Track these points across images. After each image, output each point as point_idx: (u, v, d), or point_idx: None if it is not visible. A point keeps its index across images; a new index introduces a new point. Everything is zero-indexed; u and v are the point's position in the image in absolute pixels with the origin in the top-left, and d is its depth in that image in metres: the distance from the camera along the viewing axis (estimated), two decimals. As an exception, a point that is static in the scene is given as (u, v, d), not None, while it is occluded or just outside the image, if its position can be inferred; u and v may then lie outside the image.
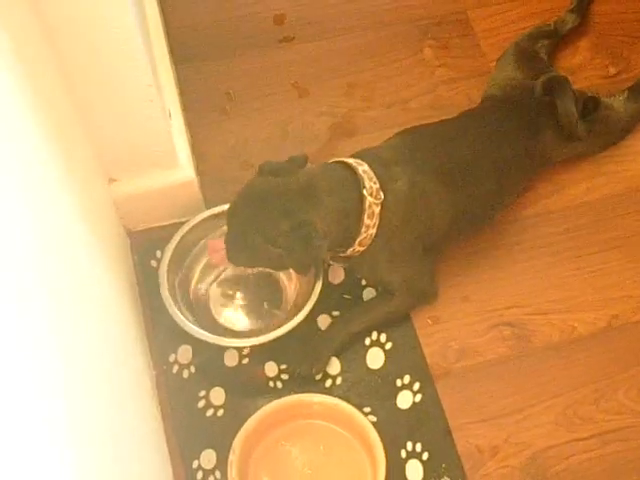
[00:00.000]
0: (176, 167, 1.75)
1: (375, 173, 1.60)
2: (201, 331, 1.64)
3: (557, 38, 2.05)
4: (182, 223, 1.75)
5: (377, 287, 1.76)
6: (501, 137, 1.76)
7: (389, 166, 1.63)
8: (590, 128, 1.84)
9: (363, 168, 1.60)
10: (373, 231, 1.60)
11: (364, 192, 1.57)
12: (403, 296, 1.72)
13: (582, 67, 2.04)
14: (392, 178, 1.62)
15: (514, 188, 1.82)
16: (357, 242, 1.60)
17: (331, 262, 1.72)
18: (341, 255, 1.65)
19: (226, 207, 1.62)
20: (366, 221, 1.58)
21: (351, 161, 1.62)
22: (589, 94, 1.87)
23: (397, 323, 1.74)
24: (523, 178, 1.84)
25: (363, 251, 1.63)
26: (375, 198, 1.58)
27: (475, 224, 1.80)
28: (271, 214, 1.53)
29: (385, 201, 1.60)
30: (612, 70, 2.05)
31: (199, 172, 1.83)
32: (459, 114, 1.84)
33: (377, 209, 1.59)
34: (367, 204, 1.57)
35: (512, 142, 1.77)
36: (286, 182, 1.56)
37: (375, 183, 1.59)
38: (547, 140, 1.81)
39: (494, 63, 2.00)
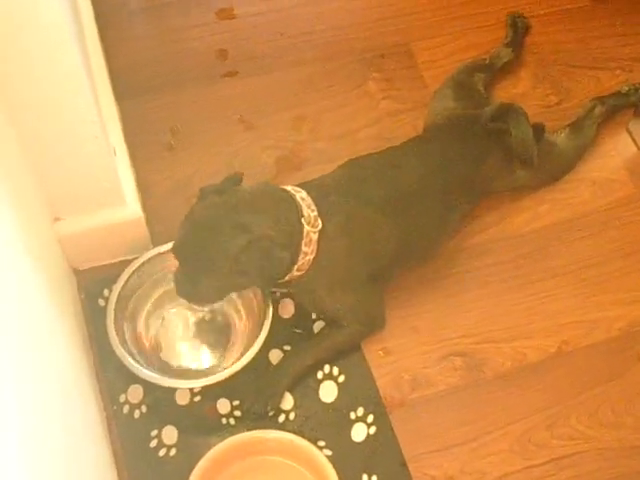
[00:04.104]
0: (122, 204, 1.72)
1: (313, 201, 1.60)
2: (150, 373, 1.62)
3: (493, 71, 2.07)
4: (129, 261, 1.73)
5: (326, 319, 1.75)
6: (444, 165, 1.77)
7: (328, 195, 1.63)
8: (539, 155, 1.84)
9: (301, 195, 1.59)
10: (311, 257, 1.59)
11: (302, 220, 1.56)
12: (352, 325, 1.71)
13: (524, 97, 2.06)
14: (330, 206, 1.61)
15: (457, 216, 1.83)
16: (295, 268, 1.59)
17: (272, 289, 1.70)
18: (279, 281, 1.63)
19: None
20: (304, 248, 1.57)
21: (289, 188, 1.62)
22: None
23: (348, 354, 1.73)
24: (466, 206, 1.84)
25: (302, 278, 1.62)
26: (312, 226, 1.57)
27: (421, 252, 1.80)
28: (226, 232, 1.50)
29: (323, 229, 1.59)
30: (554, 99, 2.08)
31: (145, 209, 1.80)
32: (403, 143, 1.83)
33: (315, 236, 1.58)
34: (305, 232, 1.56)
35: (455, 170, 1.78)
36: (232, 199, 1.54)
37: (313, 211, 1.58)
38: (490, 168, 1.82)
39: (436, 94, 2.02)
